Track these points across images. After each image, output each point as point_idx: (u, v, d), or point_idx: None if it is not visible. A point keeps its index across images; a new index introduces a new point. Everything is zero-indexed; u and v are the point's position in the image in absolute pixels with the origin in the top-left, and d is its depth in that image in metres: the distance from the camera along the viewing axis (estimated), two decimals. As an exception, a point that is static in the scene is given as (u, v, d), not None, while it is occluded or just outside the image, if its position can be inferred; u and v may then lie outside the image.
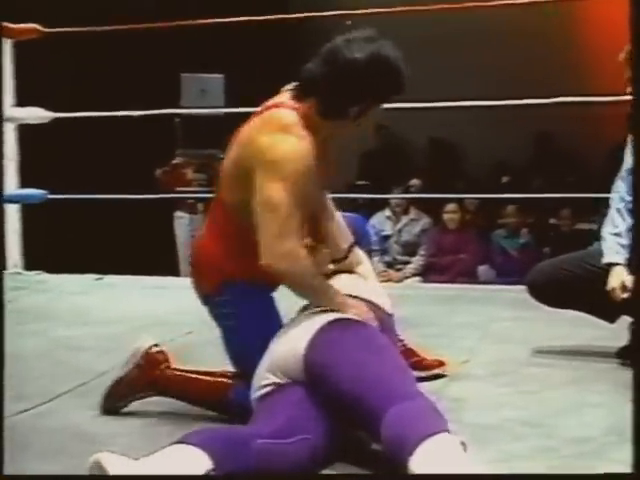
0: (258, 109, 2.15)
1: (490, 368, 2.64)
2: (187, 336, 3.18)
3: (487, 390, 2.42)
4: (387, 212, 6.38)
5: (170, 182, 6.42)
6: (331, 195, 2.33)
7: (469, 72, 7.33)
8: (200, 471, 1.59)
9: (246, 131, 2.10)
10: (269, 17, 4.72)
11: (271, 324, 2.13)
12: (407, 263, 6.26)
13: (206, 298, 2.22)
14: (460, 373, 2.59)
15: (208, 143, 6.56)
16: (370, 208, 6.48)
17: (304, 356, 1.85)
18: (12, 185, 4.57)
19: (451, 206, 6.21)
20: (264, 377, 1.93)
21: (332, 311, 2.00)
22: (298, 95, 2.09)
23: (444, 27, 6.97)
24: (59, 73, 6.28)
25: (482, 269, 6.21)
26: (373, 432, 1.72)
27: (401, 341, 2.45)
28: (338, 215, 2.33)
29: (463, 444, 1.60)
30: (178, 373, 2.24)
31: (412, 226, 6.33)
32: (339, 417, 1.83)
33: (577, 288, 2.61)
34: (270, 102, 2.14)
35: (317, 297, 2.07)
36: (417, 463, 1.54)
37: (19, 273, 4.61)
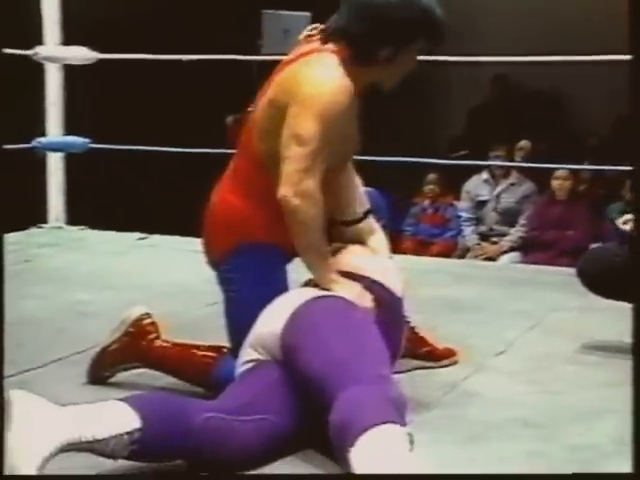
0: (289, 57, 2.34)
1: (523, 364, 2.76)
2: (212, 307, 3.41)
3: (507, 387, 2.55)
4: (485, 175, 6.43)
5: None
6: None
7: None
8: (124, 428, 1.79)
9: (283, 74, 2.29)
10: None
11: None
12: (505, 235, 6.31)
13: (218, 260, 2.40)
14: (488, 366, 2.73)
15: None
16: (466, 170, 6.56)
17: (281, 334, 2.05)
18: (55, 132, 4.93)
19: (561, 172, 6.19)
20: (246, 353, 2.14)
21: (318, 288, 2.18)
22: (327, 41, 2.30)
23: None
24: (110, 7, 6.56)
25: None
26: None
27: (411, 328, 2.60)
28: (358, 180, 2.50)
29: (411, 438, 1.76)
30: (165, 345, 2.47)
31: (512, 192, 6.35)
32: (311, 400, 2.00)
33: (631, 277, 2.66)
34: (303, 49, 2.33)
35: (313, 256, 2.23)
36: (356, 455, 1.71)
37: (60, 228, 4.97)
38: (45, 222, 5.00)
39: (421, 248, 6.62)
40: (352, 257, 2.40)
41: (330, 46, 2.29)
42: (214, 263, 2.43)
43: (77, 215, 5.07)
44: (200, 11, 6.96)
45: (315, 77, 2.20)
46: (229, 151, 5.29)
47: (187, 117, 6.81)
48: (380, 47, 2.25)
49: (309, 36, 2.46)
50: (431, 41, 2.32)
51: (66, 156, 5.01)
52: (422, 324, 2.78)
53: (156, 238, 4.84)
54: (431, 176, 6.65)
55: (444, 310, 3.32)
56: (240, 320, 2.29)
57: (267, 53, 6.00)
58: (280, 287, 2.33)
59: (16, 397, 1.81)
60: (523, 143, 6.88)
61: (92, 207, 5.15)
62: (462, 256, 6.45)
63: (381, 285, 2.30)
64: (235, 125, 6.91)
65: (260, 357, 2.11)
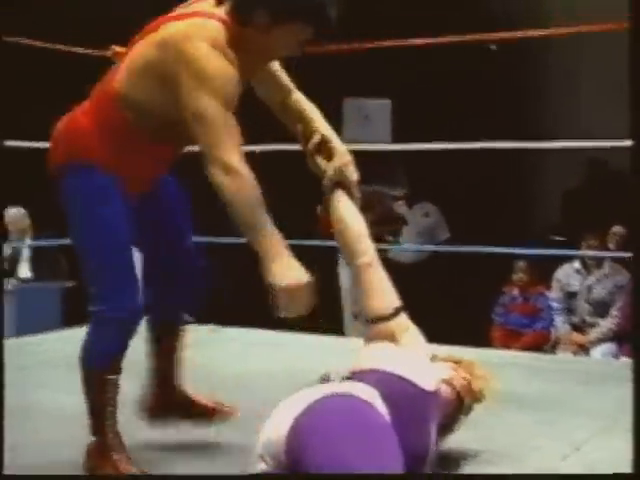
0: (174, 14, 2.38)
1: (587, 470, 2.58)
2: (267, 400, 3.35)
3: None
4: (576, 264, 6.24)
5: (331, 222, 6.62)
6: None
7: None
8: None
9: (167, 32, 2.32)
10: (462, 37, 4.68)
11: (119, 218, 2.38)
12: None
13: (56, 172, 2.45)
14: (549, 470, 2.57)
15: (373, 177, 6.72)
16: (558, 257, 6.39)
17: (286, 438, 1.97)
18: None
19: (658, 260, 5.94)
20: (254, 464, 2.06)
21: (324, 387, 2.09)
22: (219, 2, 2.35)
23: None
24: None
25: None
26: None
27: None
28: (385, 276, 2.45)
29: None
30: None
31: (605, 283, 6.15)
32: None
33: None
34: (191, 9, 2.37)
35: (252, 229, 2.22)
36: None
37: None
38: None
39: (511, 338, 6.44)
40: (374, 352, 2.31)
41: (216, 12, 2.31)
42: (53, 175, 2.47)
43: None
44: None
45: (207, 56, 2.23)
46: (315, 243, 5.32)
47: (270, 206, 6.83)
48: (254, 7, 2.28)
49: None
50: (312, 29, 2.32)
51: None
52: (485, 422, 2.64)
53: (228, 330, 4.83)
54: (520, 264, 6.48)
55: (511, 407, 3.16)
56: (78, 243, 2.42)
57: (348, 140, 5.97)
58: (117, 210, 2.36)
59: None
60: (616, 229, 6.65)
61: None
62: (554, 347, 6.26)
63: (403, 378, 2.19)
64: (326, 215, 6.88)
65: (266, 468, 2.02)
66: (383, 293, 2.38)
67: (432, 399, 2.23)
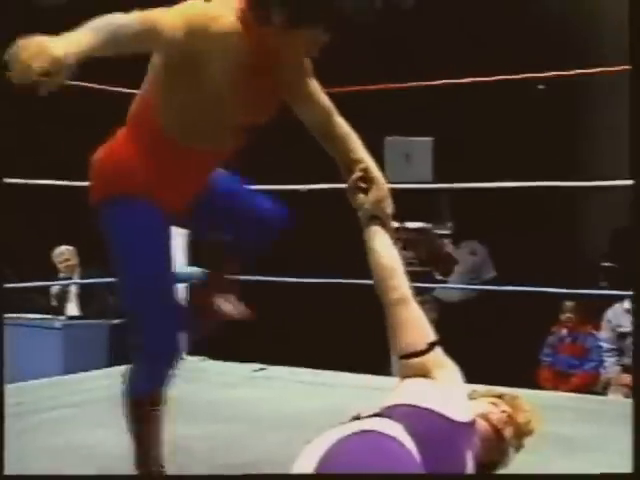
0: None
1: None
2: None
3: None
4: (626, 304, 6.15)
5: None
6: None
7: None
8: None
9: None
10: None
11: (160, 253, 2.41)
12: (649, 368, 6.00)
13: (100, 204, 2.44)
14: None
15: (416, 215, 6.72)
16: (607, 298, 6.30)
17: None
18: (180, 261, 5.02)
19: None
20: None
21: (351, 425, 2.07)
22: None
23: None
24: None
25: None
26: None
27: None
28: (420, 312, 2.39)
29: None
30: None
31: (656, 323, 6.05)
32: None
33: None
34: None
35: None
36: None
37: (181, 358, 5.00)
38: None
39: (560, 380, 6.35)
40: (405, 387, 2.29)
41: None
42: (94, 209, 2.48)
43: (199, 345, 5.11)
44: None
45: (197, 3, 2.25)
46: (356, 281, 5.33)
47: (314, 248, 6.86)
48: (270, 5, 2.22)
49: None
50: (331, 33, 2.28)
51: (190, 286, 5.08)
52: (531, 465, 2.60)
53: (273, 369, 4.82)
54: (568, 304, 6.41)
55: (559, 451, 3.12)
56: (119, 277, 2.42)
57: (389, 179, 5.97)
58: (157, 243, 2.39)
59: None
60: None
61: (214, 337, 5.17)
62: (605, 389, 6.16)
63: (432, 411, 2.14)
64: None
65: None
66: (416, 329, 2.34)
67: (465, 431, 2.19)
